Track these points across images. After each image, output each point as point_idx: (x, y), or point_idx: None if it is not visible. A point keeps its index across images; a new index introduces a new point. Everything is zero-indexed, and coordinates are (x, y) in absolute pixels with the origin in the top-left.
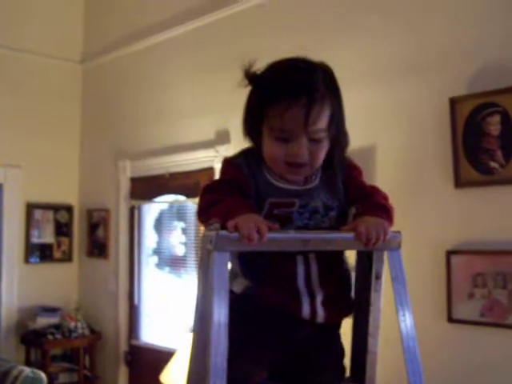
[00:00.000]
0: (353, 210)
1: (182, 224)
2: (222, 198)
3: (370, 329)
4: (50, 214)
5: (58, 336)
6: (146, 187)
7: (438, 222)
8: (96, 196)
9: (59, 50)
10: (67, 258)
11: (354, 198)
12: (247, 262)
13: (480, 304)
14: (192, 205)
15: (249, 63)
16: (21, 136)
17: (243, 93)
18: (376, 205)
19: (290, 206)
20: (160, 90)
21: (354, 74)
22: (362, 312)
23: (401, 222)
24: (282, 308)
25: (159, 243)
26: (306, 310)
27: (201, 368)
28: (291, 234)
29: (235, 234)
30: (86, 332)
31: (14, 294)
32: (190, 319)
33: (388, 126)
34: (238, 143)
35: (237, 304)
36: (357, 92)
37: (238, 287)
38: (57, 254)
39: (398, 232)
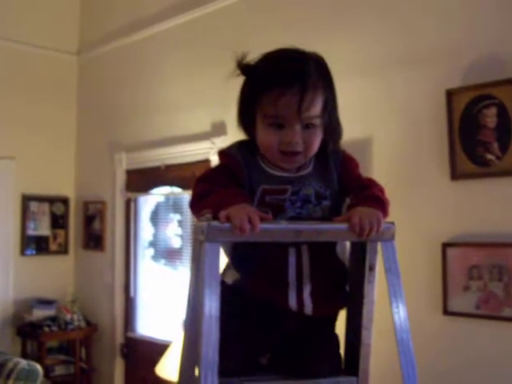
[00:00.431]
0: (347, 201)
1: (178, 216)
2: (214, 188)
3: (364, 321)
4: (45, 206)
5: (54, 328)
6: (142, 179)
7: (434, 214)
8: (92, 188)
9: (55, 41)
10: (63, 250)
11: (350, 189)
12: (239, 254)
13: (475, 296)
14: (188, 197)
15: (242, 54)
16: (16, 128)
17: (239, 85)
18: (371, 196)
19: (283, 193)
20: (156, 81)
21: (350, 67)
22: (355, 304)
23: (397, 214)
24: (269, 299)
25: (155, 235)
26: (292, 301)
27: (192, 360)
28: (283, 225)
29: (227, 225)
30: (82, 324)
31: (9, 286)
32: (183, 311)
33: (384, 119)
34: (235, 135)
35: (227, 296)
36: (353, 85)
37: (230, 278)
38: (53, 247)
39: (392, 223)
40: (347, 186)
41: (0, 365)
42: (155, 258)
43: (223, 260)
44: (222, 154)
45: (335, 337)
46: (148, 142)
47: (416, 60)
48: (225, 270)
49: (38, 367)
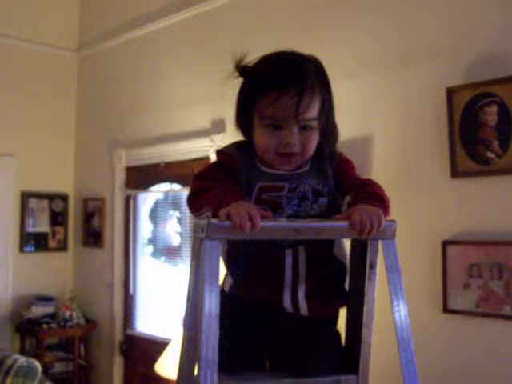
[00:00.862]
0: (347, 199)
1: (177, 213)
2: (213, 185)
3: (364, 319)
4: (45, 203)
5: (53, 325)
6: (142, 176)
7: (435, 212)
8: (91, 185)
9: (55, 37)
10: (62, 247)
11: (349, 188)
12: (233, 259)
13: (476, 294)
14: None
15: (240, 56)
16: (15, 124)
17: (239, 82)
18: (371, 194)
19: (280, 191)
20: (156, 78)
21: (349, 65)
22: (355, 302)
23: (397, 212)
24: (264, 301)
25: (154, 232)
26: (287, 303)
27: (192, 358)
28: (283, 223)
29: (227, 222)
30: (81, 321)
31: (8, 282)
32: (183, 309)
33: (384, 117)
34: (234, 132)
35: (224, 304)
36: (353, 83)
37: (227, 286)
38: (52, 243)
39: (393, 221)
40: (345, 187)
41: None
42: (154, 255)
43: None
44: (220, 152)
45: (334, 335)
46: (147, 139)
47: (416, 58)
48: (223, 279)
49: (37, 364)
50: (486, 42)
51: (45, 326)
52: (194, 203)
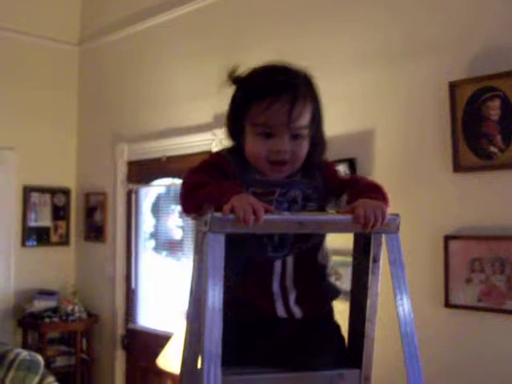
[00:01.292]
0: (344, 198)
1: (179, 208)
2: (209, 180)
3: (367, 313)
4: (47, 198)
5: (55, 319)
6: (144, 171)
7: (437, 207)
8: (93, 179)
9: (56, 31)
10: (64, 241)
11: (342, 187)
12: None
13: (478, 289)
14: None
15: (232, 68)
16: (17, 119)
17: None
18: (369, 186)
19: (270, 195)
20: (158, 72)
21: (352, 59)
22: (359, 296)
23: (399, 206)
24: (257, 311)
25: (156, 227)
26: (280, 310)
27: (195, 352)
28: (287, 216)
29: (231, 216)
30: (83, 315)
31: (11, 277)
32: (186, 303)
33: (386, 111)
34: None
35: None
36: (355, 77)
37: None
38: (54, 238)
39: (397, 215)
40: (337, 186)
41: (1, 355)
42: (156, 249)
43: None
44: (214, 153)
45: (333, 328)
46: (149, 133)
47: (419, 52)
48: None
49: (40, 358)
50: (489, 35)
51: (47, 320)
52: (191, 199)
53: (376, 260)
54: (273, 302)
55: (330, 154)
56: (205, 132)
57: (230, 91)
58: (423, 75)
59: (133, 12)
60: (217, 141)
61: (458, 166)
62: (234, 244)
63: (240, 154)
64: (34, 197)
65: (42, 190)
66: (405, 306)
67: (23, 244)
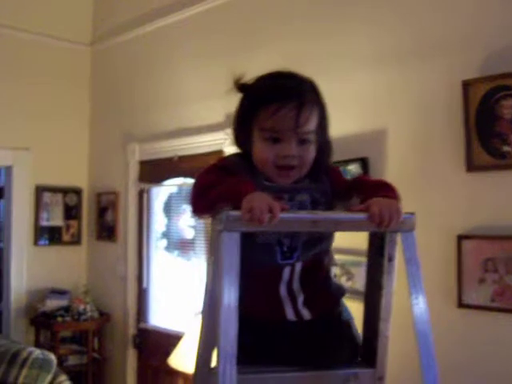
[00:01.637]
0: (355, 200)
1: (189, 208)
2: (220, 181)
3: (382, 312)
4: (59, 197)
5: (68, 318)
6: (155, 170)
7: (449, 207)
8: (105, 179)
9: (68, 32)
10: (76, 240)
11: (348, 189)
12: None
13: (491, 289)
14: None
15: (238, 75)
16: (30, 119)
17: (255, 74)
18: (379, 185)
19: (279, 201)
20: (169, 72)
21: (365, 58)
22: (373, 295)
23: (412, 206)
24: (267, 315)
25: (168, 226)
26: (290, 313)
27: (210, 351)
28: (301, 215)
29: (246, 215)
30: (95, 315)
31: (23, 276)
32: (198, 302)
33: (399, 110)
34: None
35: None
36: (368, 75)
37: None
38: (66, 237)
39: (412, 213)
40: (343, 189)
41: (14, 354)
42: (168, 248)
43: None
44: (223, 158)
45: (343, 325)
46: (161, 132)
47: (432, 51)
48: None
49: (52, 357)
50: (502, 34)
51: (59, 319)
52: (202, 198)
53: (391, 259)
54: (282, 306)
55: (343, 154)
56: (217, 131)
57: (238, 93)
58: (436, 74)
59: (143, 13)
60: (229, 140)
61: (471, 166)
62: (244, 251)
63: (247, 160)
64: (46, 196)
65: (54, 190)
66: (420, 304)
67: (35, 243)
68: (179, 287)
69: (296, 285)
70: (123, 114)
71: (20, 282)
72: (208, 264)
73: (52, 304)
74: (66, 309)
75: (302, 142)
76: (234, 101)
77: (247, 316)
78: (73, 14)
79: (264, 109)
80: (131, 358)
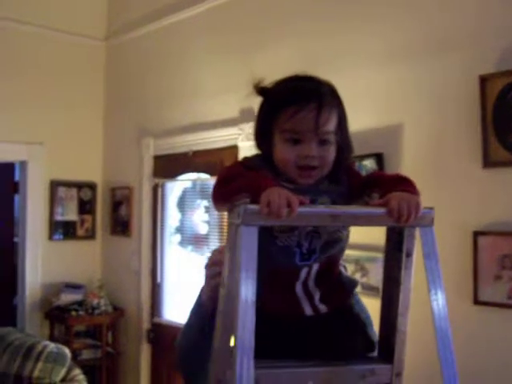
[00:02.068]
0: (374, 196)
1: (205, 202)
2: (244, 173)
3: (400, 308)
4: (73, 192)
5: (82, 312)
6: (170, 165)
7: (466, 203)
8: (119, 174)
9: (83, 27)
10: (90, 235)
11: (364, 184)
12: None
13: (507, 286)
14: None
15: (258, 80)
16: (44, 113)
17: (268, 70)
18: (397, 179)
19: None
20: (183, 67)
21: (381, 52)
22: (391, 291)
23: (427, 202)
24: (285, 313)
25: (182, 221)
26: (308, 310)
27: (227, 346)
28: (320, 209)
29: (264, 209)
30: (109, 309)
31: (38, 270)
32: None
33: (416, 105)
34: None
35: None
36: (385, 71)
37: None
38: (80, 232)
39: (431, 208)
40: (359, 186)
41: (29, 347)
42: (182, 243)
43: None
44: (245, 158)
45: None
46: (175, 127)
47: (449, 45)
48: None
49: (67, 350)
50: None
51: (73, 314)
52: (223, 189)
53: (409, 254)
54: (299, 303)
55: (358, 149)
56: (231, 126)
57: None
58: (453, 69)
59: (157, 8)
60: (243, 135)
61: (488, 161)
62: (264, 252)
63: (269, 162)
64: (61, 191)
65: (68, 185)
66: (439, 300)
67: (50, 238)
68: (193, 282)
69: (311, 283)
70: (138, 109)
71: (35, 277)
72: (225, 257)
73: (66, 298)
74: (81, 303)
75: (323, 142)
76: (248, 96)
77: (264, 311)
78: (88, 10)
79: (284, 111)
80: (145, 352)
